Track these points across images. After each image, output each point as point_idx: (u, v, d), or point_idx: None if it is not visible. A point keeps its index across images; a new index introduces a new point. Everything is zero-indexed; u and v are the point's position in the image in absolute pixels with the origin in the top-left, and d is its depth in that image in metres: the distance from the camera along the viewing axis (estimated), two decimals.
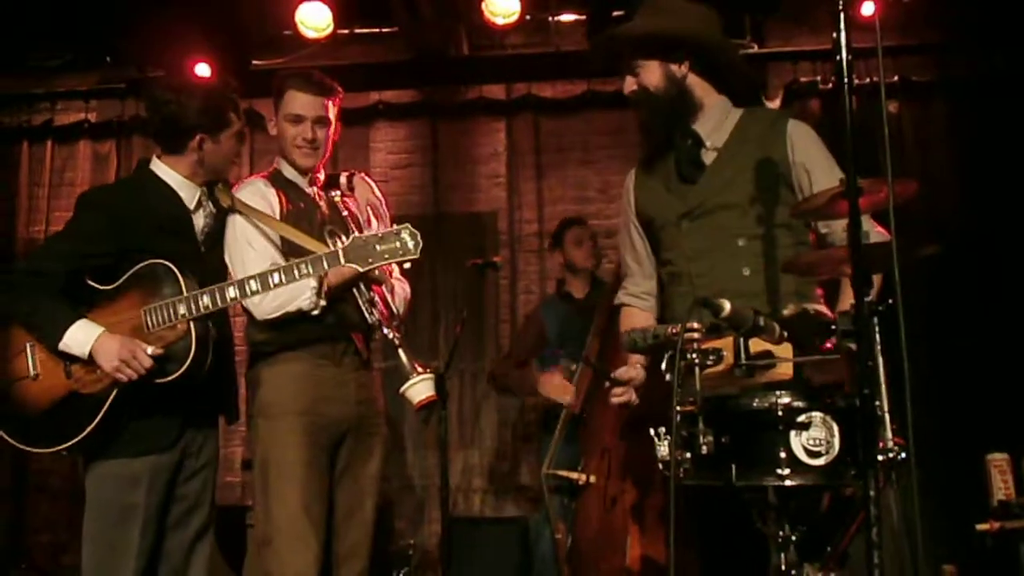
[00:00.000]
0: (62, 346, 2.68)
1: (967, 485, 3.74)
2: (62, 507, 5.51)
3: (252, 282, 2.64)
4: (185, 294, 2.64)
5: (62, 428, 2.70)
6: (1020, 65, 5.23)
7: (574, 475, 3.73)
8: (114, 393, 2.66)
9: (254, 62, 5.58)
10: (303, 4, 5.15)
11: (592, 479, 3.65)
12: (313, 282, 2.75)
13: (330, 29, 5.24)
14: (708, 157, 2.60)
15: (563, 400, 3.97)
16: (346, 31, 5.50)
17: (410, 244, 2.55)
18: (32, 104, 6.07)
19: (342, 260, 2.57)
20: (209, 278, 2.72)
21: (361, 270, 2.60)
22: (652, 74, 2.63)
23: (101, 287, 2.75)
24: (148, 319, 2.66)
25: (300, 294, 2.76)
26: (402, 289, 3.15)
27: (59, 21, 5.40)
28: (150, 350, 2.63)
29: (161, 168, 2.90)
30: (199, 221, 2.90)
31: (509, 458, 5.65)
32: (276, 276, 2.63)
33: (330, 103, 2.98)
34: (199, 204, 2.90)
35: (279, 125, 2.98)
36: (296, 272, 2.62)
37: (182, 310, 2.63)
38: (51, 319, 2.71)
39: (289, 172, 3.01)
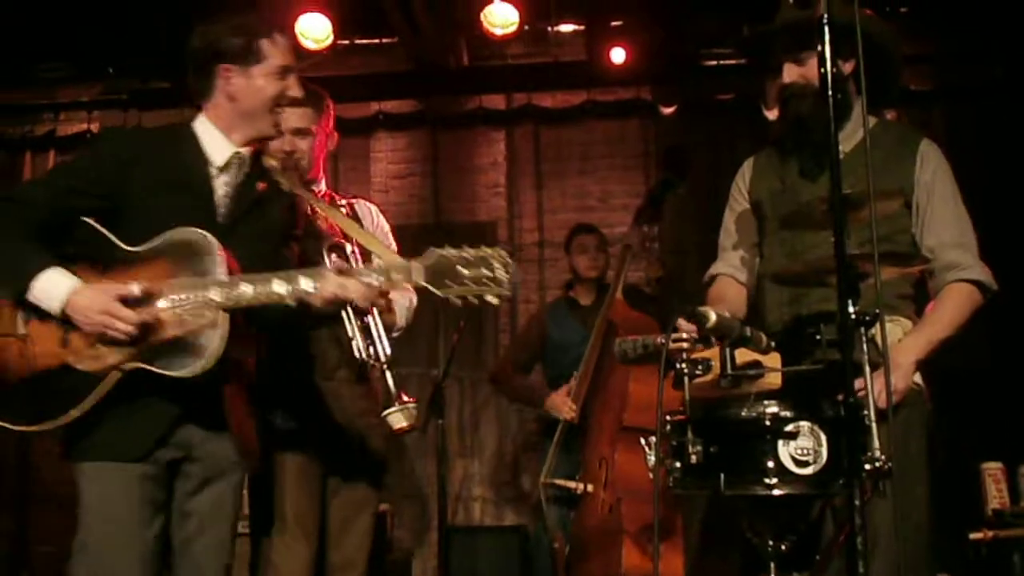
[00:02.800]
0: (31, 297, 2.16)
1: (962, 494, 3.74)
2: (64, 517, 5.51)
3: (305, 281, 2.18)
4: (223, 277, 2.19)
5: (42, 405, 2.21)
6: (1019, 74, 5.25)
7: (572, 484, 3.74)
8: (118, 377, 2.19)
9: None
10: (303, 15, 5.19)
11: (590, 488, 3.66)
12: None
13: (330, 40, 5.27)
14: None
15: (564, 417, 3.97)
16: (346, 42, 5.54)
17: (501, 274, 2.14)
18: (35, 115, 6.11)
19: (417, 278, 2.16)
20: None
21: (440, 294, 2.16)
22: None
23: (125, 246, 2.25)
24: (171, 297, 2.19)
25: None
26: (407, 299, 3.16)
27: (62, 33, 5.44)
28: (136, 289, 2.17)
29: (198, 120, 2.42)
30: (220, 186, 2.38)
31: (509, 466, 5.66)
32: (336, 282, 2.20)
33: (311, 112, 2.86)
34: (229, 166, 2.38)
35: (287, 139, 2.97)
36: (363, 279, 2.20)
37: (214, 295, 2.17)
38: (16, 260, 2.19)
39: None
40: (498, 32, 5.24)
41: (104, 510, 2.24)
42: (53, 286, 2.15)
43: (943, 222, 2.44)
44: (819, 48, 2.28)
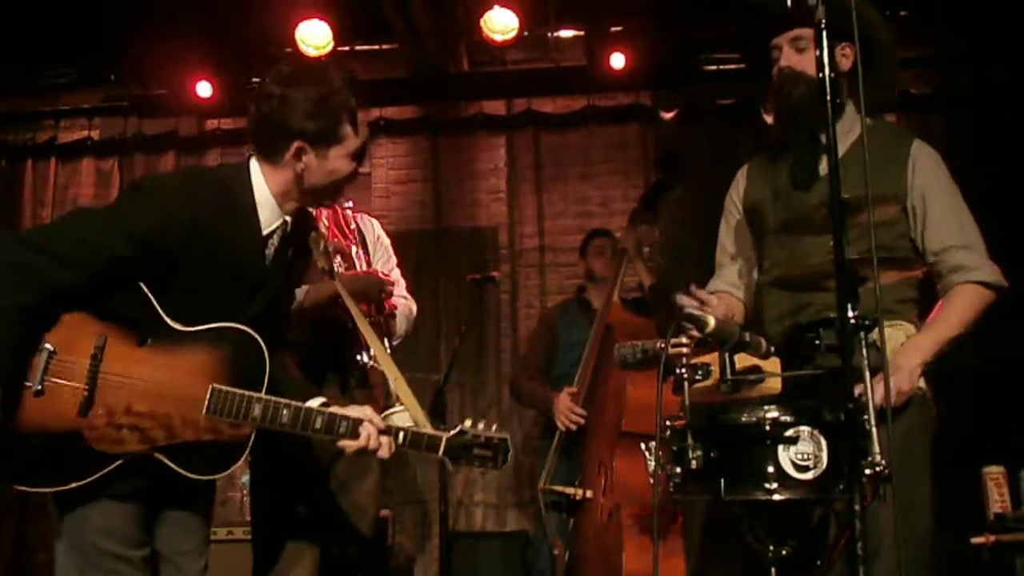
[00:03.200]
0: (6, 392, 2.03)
1: (963, 498, 3.73)
2: None
3: (344, 425, 2.21)
4: (264, 394, 2.15)
5: (43, 467, 2.08)
6: (1018, 77, 5.25)
7: (571, 490, 3.72)
8: (120, 462, 2.09)
9: (255, 79, 5.63)
10: (303, 22, 5.20)
11: (589, 494, 3.65)
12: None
13: (330, 46, 5.28)
14: (825, 167, 2.44)
15: (559, 426, 3.94)
16: (346, 48, 5.54)
17: (500, 460, 2.37)
18: (36, 122, 6.13)
19: (440, 452, 2.31)
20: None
21: (450, 466, 2.35)
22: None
23: (172, 323, 2.14)
24: (214, 403, 2.11)
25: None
26: (407, 308, 3.17)
27: (63, 40, 5.46)
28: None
29: (256, 175, 2.29)
30: (267, 256, 2.31)
31: (510, 472, 5.64)
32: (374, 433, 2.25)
33: None
34: (273, 234, 2.31)
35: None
36: (395, 440, 2.29)
37: (257, 413, 2.12)
38: (10, 356, 2.03)
39: None
40: (498, 38, 5.25)
41: (89, 546, 2.15)
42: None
43: (943, 225, 2.42)
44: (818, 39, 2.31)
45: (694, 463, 2.02)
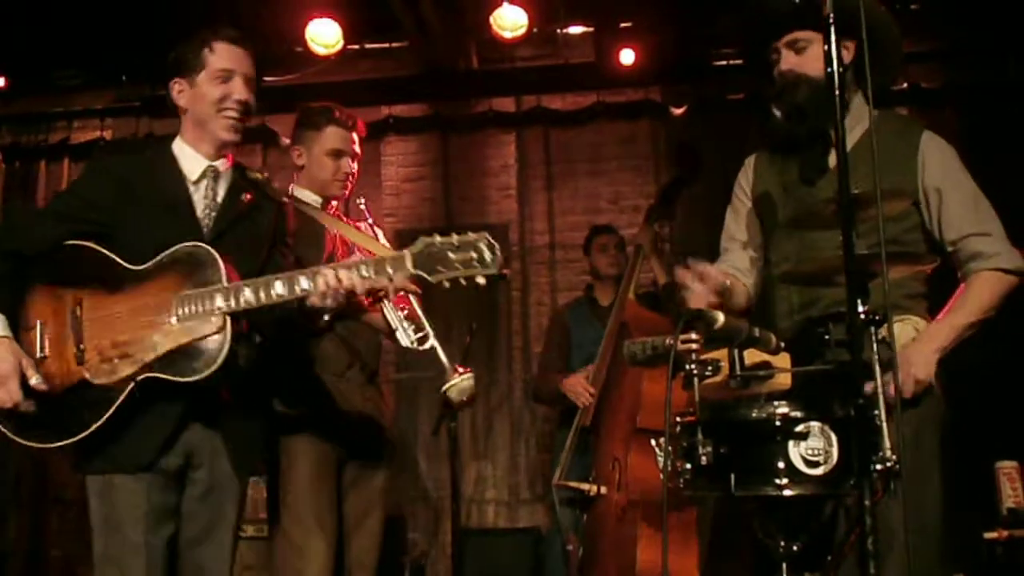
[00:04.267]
0: None
1: (977, 493, 3.72)
2: (77, 521, 5.55)
3: (303, 279, 2.26)
4: (225, 284, 2.28)
5: (63, 421, 2.31)
6: None
7: (585, 486, 3.73)
8: (127, 388, 2.28)
9: (265, 79, 5.64)
10: (313, 21, 5.21)
11: (603, 490, 3.65)
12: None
13: (340, 45, 5.30)
14: (833, 162, 2.41)
15: (579, 402, 3.96)
16: (356, 47, 5.56)
17: (487, 256, 2.17)
18: (49, 123, 6.17)
19: (409, 266, 2.21)
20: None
21: (430, 280, 2.20)
22: (820, 53, 2.27)
23: (130, 266, 2.37)
24: (180, 308, 2.28)
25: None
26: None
27: (75, 41, 5.49)
28: (33, 380, 2.29)
29: (176, 138, 2.57)
30: (199, 201, 2.49)
31: (522, 469, 5.66)
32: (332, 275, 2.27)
33: (357, 137, 3.12)
34: (203, 179, 2.51)
35: (316, 159, 3.04)
36: (357, 272, 2.26)
37: (219, 302, 2.26)
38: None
39: (306, 197, 3.07)
40: (507, 35, 5.25)
41: (113, 521, 2.34)
42: None
43: (960, 214, 2.40)
44: (816, 31, 2.28)
45: (704, 459, 2.01)
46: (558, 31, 5.68)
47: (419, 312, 2.84)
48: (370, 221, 3.14)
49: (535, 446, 5.64)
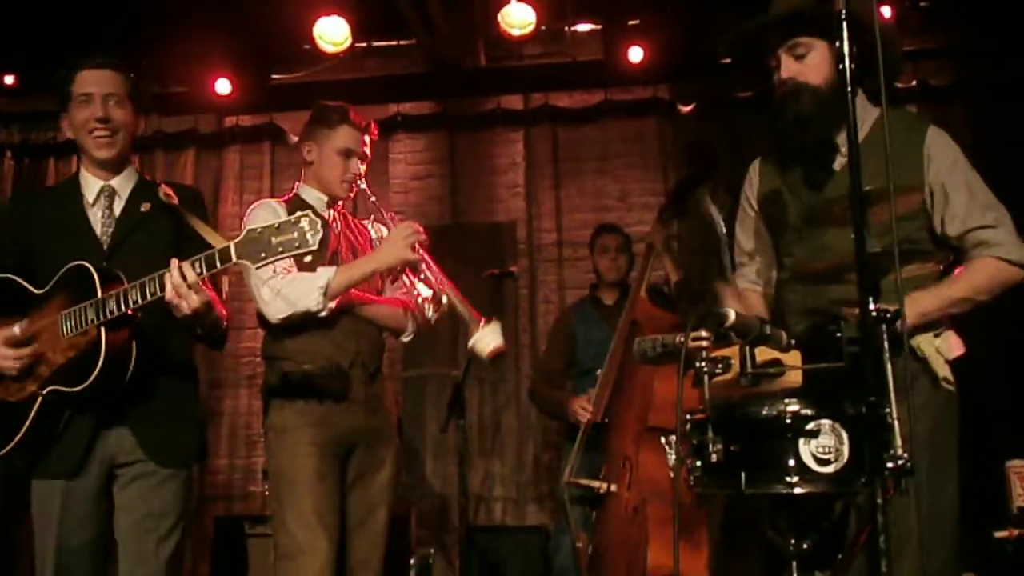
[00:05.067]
0: None
1: (986, 492, 3.71)
2: None
3: (152, 283, 2.41)
4: (99, 297, 2.47)
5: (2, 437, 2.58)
6: None
7: (595, 484, 3.72)
8: (37, 402, 2.54)
9: (274, 76, 5.67)
10: (321, 19, 5.22)
11: (613, 488, 3.64)
12: (320, 282, 2.79)
13: (348, 43, 5.30)
14: (839, 163, 2.43)
15: (582, 420, 3.98)
16: (364, 44, 5.57)
17: (308, 235, 2.22)
18: (58, 121, 6.14)
19: (233, 256, 2.31)
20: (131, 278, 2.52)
21: (254, 266, 2.32)
22: (821, 60, 2.33)
23: (35, 291, 2.62)
24: (64, 325, 2.52)
25: (307, 295, 2.82)
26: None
27: (83, 39, 5.49)
28: (11, 356, 2.55)
29: (80, 168, 2.81)
30: (97, 219, 2.71)
31: (529, 466, 5.65)
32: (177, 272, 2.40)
33: (368, 139, 3.13)
34: (99, 198, 2.73)
35: (326, 156, 3.05)
36: (193, 268, 2.39)
37: (91, 315, 2.47)
38: None
39: (311, 197, 3.08)
40: (515, 32, 5.25)
41: (43, 522, 2.60)
42: None
43: (966, 209, 2.39)
44: (819, 38, 2.31)
45: (714, 456, 2.01)
46: (566, 29, 5.67)
47: (418, 281, 2.94)
48: (386, 215, 3.13)
49: (542, 444, 5.64)
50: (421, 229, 2.96)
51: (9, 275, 2.66)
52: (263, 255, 2.26)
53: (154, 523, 2.63)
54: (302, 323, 2.88)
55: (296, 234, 2.22)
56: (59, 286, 2.57)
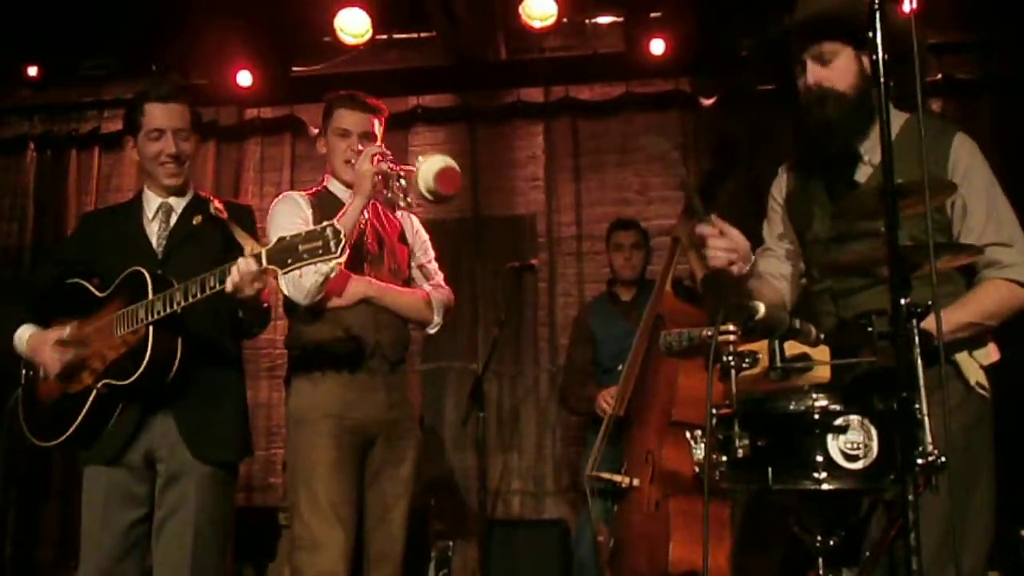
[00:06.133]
0: (16, 350, 2.94)
1: (1011, 489, 3.67)
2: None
3: (193, 287, 2.62)
4: (149, 299, 2.71)
5: (56, 425, 2.87)
6: None
7: (617, 478, 3.70)
8: (92, 394, 2.79)
9: (294, 68, 5.67)
10: (342, 11, 5.21)
11: (635, 482, 3.63)
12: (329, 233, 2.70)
13: (369, 35, 5.30)
14: (862, 174, 2.41)
15: (604, 414, 3.98)
16: (384, 36, 5.56)
17: (332, 244, 2.38)
18: (80, 112, 6.20)
19: (264, 262, 2.50)
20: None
21: (282, 271, 2.51)
22: (847, 65, 2.32)
23: (99, 294, 2.91)
24: (118, 326, 2.77)
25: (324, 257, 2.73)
26: (444, 295, 3.19)
27: (105, 31, 5.52)
28: (55, 356, 2.82)
29: (144, 185, 3.08)
30: (153, 232, 2.98)
31: (549, 460, 5.64)
32: (210, 280, 2.60)
33: (376, 121, 3.07)
34: (157, 214, 3.00)
35: (329, 142, 3.06)
36: (221, 274, 2.58)
37: (141, 315, 2.71)
38: (6, 326, 2.96)
39: (337, 190, 3.08)
40: (536, 25, 5.23)
41: (89, 503, 2.86)
42: (18, 339, 2.93)
43: (982, 223, 2.35)
44: (844, 44, 2.29)
45: (740, 452, 1.99)
46: (587, 21, 5.65)
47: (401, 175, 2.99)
48: (416, 225, 3.14)
49: (561, 437, 5.63)
50: (379, 146, 3.05)
51: (78, 279, 2.97)
52: (290, 261, 2.43)
53: (182, 516, 2.82)
54: (322, 310, 2.89)
55: (321, 242, 2.38)
56: (118, 290, 2.85)
